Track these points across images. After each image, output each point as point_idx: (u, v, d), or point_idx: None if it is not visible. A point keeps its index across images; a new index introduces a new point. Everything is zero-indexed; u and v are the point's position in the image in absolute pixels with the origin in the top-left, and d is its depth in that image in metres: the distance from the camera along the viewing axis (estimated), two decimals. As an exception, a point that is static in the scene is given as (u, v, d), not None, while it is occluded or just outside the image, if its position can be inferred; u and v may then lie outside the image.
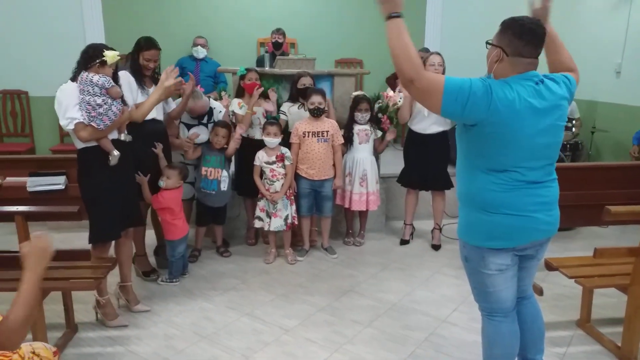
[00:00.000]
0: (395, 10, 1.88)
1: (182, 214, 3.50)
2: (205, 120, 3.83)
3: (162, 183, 3.36)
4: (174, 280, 3.54)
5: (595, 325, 2.98)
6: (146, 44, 3.30)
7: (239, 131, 3.81)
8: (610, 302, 3.22)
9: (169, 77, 3.10)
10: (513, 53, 1.94)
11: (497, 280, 2.12)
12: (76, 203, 2.75)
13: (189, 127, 3.80)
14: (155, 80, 3.37)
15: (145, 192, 3.31)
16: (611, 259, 2.79)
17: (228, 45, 6.89)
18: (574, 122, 5.60)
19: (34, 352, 1.84)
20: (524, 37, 1.92)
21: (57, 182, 3.37)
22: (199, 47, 6.37)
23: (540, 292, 3.35)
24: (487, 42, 2.03)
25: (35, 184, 3.34)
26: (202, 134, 3.80)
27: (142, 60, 3.29)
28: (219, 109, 3.91)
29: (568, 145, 5.43)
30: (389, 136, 4.23)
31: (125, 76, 3.06)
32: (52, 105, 5.74)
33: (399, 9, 1.89)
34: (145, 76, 3.34)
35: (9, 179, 3.43)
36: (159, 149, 3.39)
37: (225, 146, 3.78)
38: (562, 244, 4.25)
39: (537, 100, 1.92)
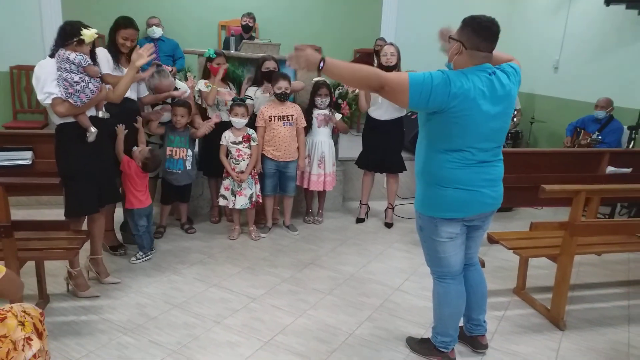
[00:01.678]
0: (317, 61, 2.10)
1: (143, 188, 3.54)
2: (169, 100, 3.90)
3: (135, 148, 3.45)
4: (148, 254, 3.63)
5: (529, 292, 3.36)
6: (124, 22, 3.30)
7: (214, 119, 3.93)
8: (542, 273, 3.62)
9: (140, 57, 3.09)
10: (471, 47, 2.21)
11: (448, 246, 2.41)
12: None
13: (153, 106, 3.87)
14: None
15: (119, 144, 3.35)
16: (545, 232, 3.16)
17: (189, 26, 6.92)
18: (515, 112, 6.07)
19: (25, 311, 1.95)
20: (481, 34, 2.20)
21: (23, 157, 3.38)
22: (154, 27, 6.36)
23: (482, 264, 3.72)
24: (449, 37, 2.29)
25: (2, 158, 3.34)
26: (166, 113, 3.89)
27: (119, 38, 3.29)
28: (184, 89, 3.97)
29: (509, 134, 5.90)
30: (343, 113, 4.49)
31: (103, 53, 3.11)
32: (4, 81, 5.67)
33: (318, 57, 2.11)
34: (122, 55, 3.35)
35: (-28, 154, 3.40)
36: (139, 122, 3.48)
37: (189, 126, 3.90)
38: (502, 223, 4.66)
39: (489, 90, 2.20)
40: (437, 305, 2.57)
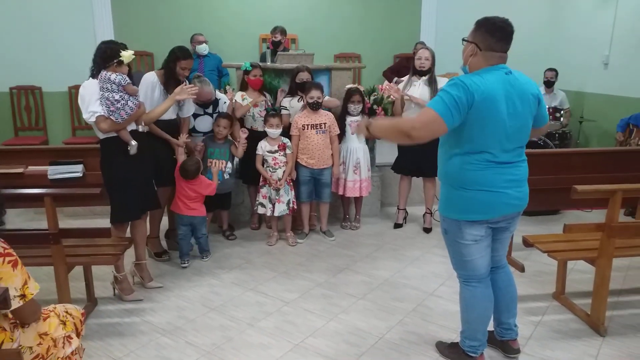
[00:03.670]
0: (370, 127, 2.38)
1: (188, 198, 3.72)
2: (210, 110, 4.06)
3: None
4: (185, 260, 3.78)
5: (569, 297, 3.25)
6: (182, 54, 3.48)
7: (243, 135, 4.03)
8: (584, 277, 3.49)
9: (182, 93, 3.40)
10: (486, 48, 2.22)
11: (473, 249, 2.40)
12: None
13: (195, 116, 4.01)
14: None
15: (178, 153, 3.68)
16: (582, 234, 3.06)
17: (231, 41, 7.14)
18: (562, 112, 5.86)
19: (67, 312, 2.12)
20: (495, 34, 2.21)
21: (75, 170, 3.66)
22: (204, 44, 6.61)
23: (522, 269, 3.65)
24: (463, 39, 2.31)
25: (56, 172, 3.63)
26: (207, 123, 4.05)
27: (178, 69, 3.48)
28: (224, 99, 4.14)
29: (557, 135, 5.70)
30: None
31: (150, 78, 3.40)
32: (64, 100, 6.10)
33: (365, 123, 2.43)
34: (177, 83, 3.50)
35: (31, 168, 3.71)
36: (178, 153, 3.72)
37: (230, 138, 4.06)
38: (547, 226, 4.51)
39: (506, 88, 2.19)
40: (464, 309, 2.55)
